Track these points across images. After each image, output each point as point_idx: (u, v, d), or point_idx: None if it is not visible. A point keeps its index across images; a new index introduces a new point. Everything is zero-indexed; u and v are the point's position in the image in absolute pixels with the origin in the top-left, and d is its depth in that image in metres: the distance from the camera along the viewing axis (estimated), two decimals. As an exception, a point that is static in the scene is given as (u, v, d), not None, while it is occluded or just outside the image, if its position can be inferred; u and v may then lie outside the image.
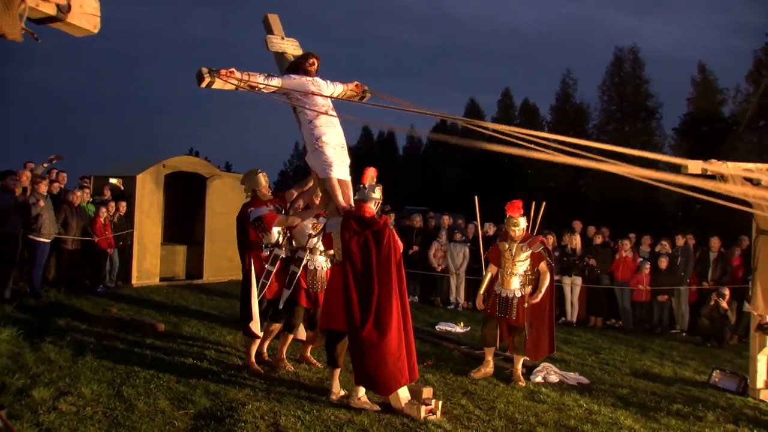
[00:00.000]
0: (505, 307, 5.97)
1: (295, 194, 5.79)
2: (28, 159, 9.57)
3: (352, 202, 5.02)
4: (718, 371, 6.56)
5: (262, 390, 4.95)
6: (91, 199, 10.21)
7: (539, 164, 31.02)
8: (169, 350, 5.97)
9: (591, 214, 16.58)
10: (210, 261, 11.55)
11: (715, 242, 9.81)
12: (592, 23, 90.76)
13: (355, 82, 5.67)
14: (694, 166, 4.99)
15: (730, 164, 5.54)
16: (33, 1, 2.26)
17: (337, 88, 5.53)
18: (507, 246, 6.06)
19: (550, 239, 9.21)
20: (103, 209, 9.66)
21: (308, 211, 5.62)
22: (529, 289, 5.99)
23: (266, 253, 5.59)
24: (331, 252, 5.30)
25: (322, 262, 5.68)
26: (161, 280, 10.91)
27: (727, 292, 8.81)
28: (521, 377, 5.90)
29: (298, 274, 5.56)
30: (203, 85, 4.86)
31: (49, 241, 8.49)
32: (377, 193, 4.93)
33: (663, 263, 9.71)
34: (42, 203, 8.35)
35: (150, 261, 10.74)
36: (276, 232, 5.60)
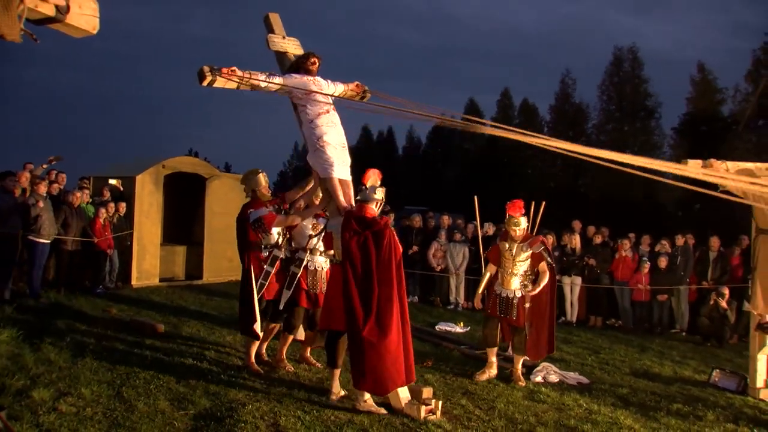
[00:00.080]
0: (506, 307, 5.97)
1: (297, 194, 5.79)
2: (27, 159, 9.54)
3: (353, 202, 5.02)
4: (717, 371, 6.56)
5: (262, 390, 4.95)
6: (90, 200, 10.20)
7: (539, 164, 31.18)
8: (168, 351, 5.96)
9: (591, 213, 16.58)
10: (210, 261, 11.54)
11: (714, 242, 9.81)
12: (592, 23, 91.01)
13: (356, 82, 5.68)
14: (694, 166, 5.00)
15: (730, 164, 5.54)
16: (32, 2, 2.26)
17: (338, 88, 5.54)
18: (507, 246, 6.06)
19: (550, 239, 9.20)
20: (103, 210, 9.65)
21: (308, 211, 5.62)
22: (529, 289, 5.99)
23: (265, 254, 5.58)
24: (332, 252, 5.30)
25: (322, 263, 5.67)
26: (161, 280, 10.90)
27: (726, 291, 8.82)
28: (521, 377, 5.90)
29: (298, 275, 5.56)
30: (205, 83, 4.84)
31: (48, 241, 8.48)
32: (379, 194, 4.91)
33: (663, 263, 9.71)
34: (41, 204, 8.33)
35: (149, 262, 10.73)
36: (275, 233, 5.60)
